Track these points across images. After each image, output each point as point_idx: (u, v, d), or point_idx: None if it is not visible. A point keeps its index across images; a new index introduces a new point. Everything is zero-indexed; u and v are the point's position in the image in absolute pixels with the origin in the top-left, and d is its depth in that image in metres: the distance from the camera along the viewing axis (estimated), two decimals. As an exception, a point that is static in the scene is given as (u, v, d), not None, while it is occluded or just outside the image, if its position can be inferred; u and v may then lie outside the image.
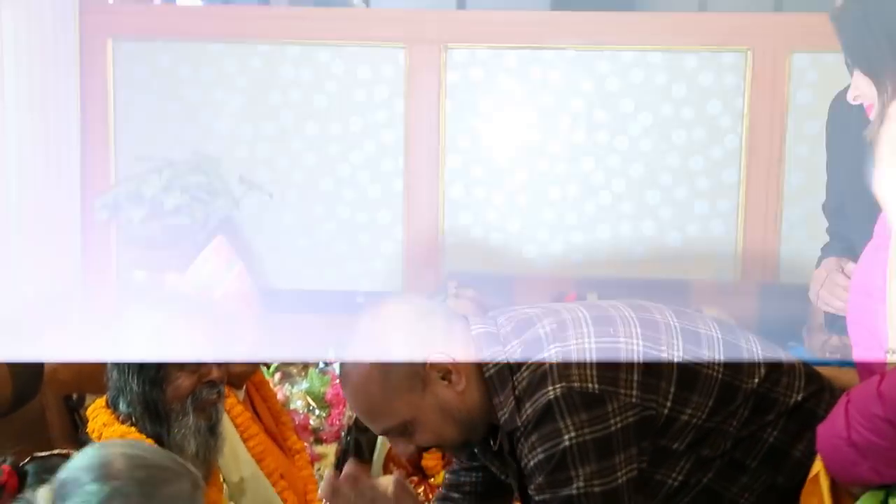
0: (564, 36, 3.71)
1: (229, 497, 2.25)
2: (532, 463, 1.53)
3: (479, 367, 1.57)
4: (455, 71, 3.72)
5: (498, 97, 3.74)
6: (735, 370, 1.55)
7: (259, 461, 2.25)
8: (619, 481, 1.49)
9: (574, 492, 1.49)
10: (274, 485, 2.25)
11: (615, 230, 3.75)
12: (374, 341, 1.57)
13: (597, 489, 1.49)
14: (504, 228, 3.76)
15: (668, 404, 1.51)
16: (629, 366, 1.52)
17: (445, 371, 1.56)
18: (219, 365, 1.99)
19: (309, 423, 2.61)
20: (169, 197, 3.36)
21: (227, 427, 2.15)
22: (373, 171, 3.78)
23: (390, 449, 2.97)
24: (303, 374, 2.73)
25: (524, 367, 1.55)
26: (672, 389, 1.51)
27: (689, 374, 1.52)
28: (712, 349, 1.56)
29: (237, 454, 2.22)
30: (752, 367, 1.56)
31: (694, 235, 3.72)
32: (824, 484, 1.42)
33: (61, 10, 3.44)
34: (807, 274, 3.64)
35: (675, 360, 1.52)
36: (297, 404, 2.59)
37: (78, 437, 2.64)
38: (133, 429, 1.90)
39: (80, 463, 1.42)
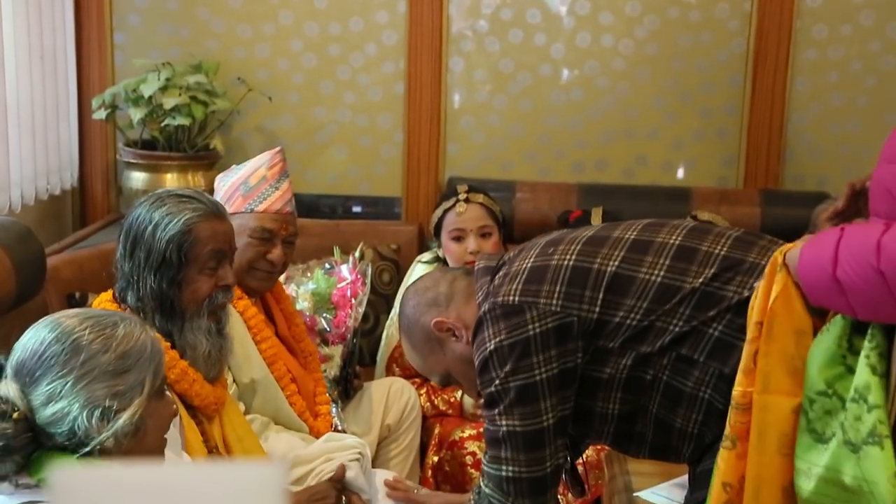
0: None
1: (238, 397, 2.27)
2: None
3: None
4: (459, -29, 3.64)
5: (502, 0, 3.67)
6: (680, 271, 1.69)
7: (270, 364, 2.26)
8: (536, 378, 1.69)
9: (492, 389, 1.72)
10: (284, 388, 2.26)
11: (618, 135, 3.71)
12: (402, 320, 1.91)
13: (511, 384, 1.70)
14: (506, 133, 3.73)
15: (596, 309, 1.69)
16: (555, 279, 1.72)
17: (449, 329, 1.83)
18: (232, 270, 2.01)
19: (316, 325, 2.61)
20: (168, 97, 3.30)
21: (240, 329, 2.16)
22: (374, 74, 3.73)
23: (393, 351, 2.99)
24: (308, 274, 2.71)
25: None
26: (600, 295, 1.69)
27: (621, 280, 1.70)
28: (659, 255, 1.72)
29: (249, 356, 2.23)
30: (700, 266, 1.68)
31: (697, 141, 3.69)
32: (797, 298, 1.47)
33: None
34: (809, 181, 3.66)
35: (608, 269, 1.71)
36: (304, 305, 2.58)
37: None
38: None
39: (29, 339, 1.46)
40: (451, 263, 3.01)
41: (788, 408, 1.46)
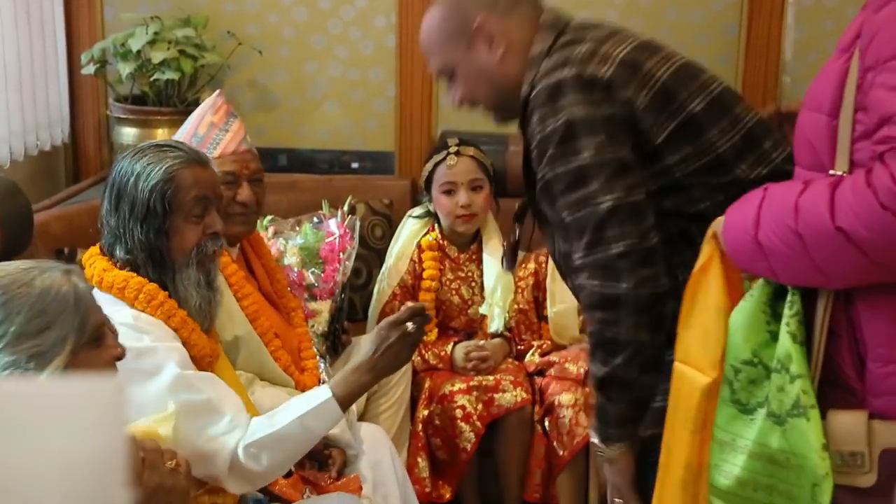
0: None
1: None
2: (541, 135, 1.67)
3: (528, 48, 1.75)
4: (450, -79, 3.58)
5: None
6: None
7: (253, 320, 2.25)
8: (613, 156, 1.62)
9: (584, 161, 1.62)
10: (267, 344, 2.26)
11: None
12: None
13: (607, 155, 1.62)
14: (499, 86, 3.69)
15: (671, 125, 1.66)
16: (647, 77, 1.67)
17: (489, 36, 1.75)
18: (220, 217, 1.99)
19: (303, 280, 2.60)
20: (156, 51, 3.28)
21: (221, 286, 2.15)
22: (365, 28, 3.69)
23: (384, 306, 2.99)
24: (297, 228, 2.71)
25: (555, 52, 1.71)
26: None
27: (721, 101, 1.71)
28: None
29: (231, 313, 2.23)
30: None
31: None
32: (717, 273, 1.43)
33: None
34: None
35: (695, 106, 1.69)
36: (292, 260, 2.58)
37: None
38: (135, 273, 1.90)
39: None
40: (441, 217, 3.00)
41: (700, 386, 1.42)
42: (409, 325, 1.90)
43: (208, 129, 2.36)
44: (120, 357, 1.54)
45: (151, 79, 3.34)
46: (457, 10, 1.79)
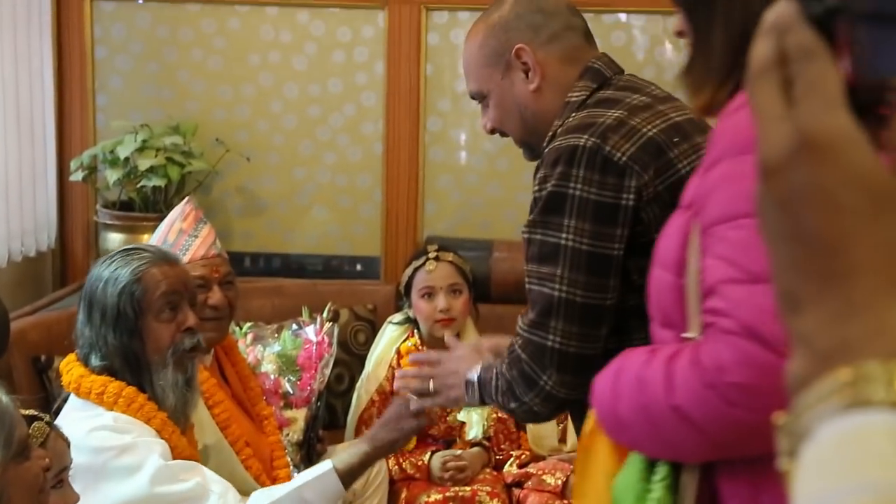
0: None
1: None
2: (537, 194, 1.61)
3: (566, 86, 1.68)
4: (435, 32, 3.68)
5: (479, 60, 3.70)
6: None
7: (224, 428, 2.24)
8: (590, 250, 1.56)
9: (562, 241, 1.56)
10: (238, 452, 2.24)
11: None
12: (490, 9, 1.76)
13: (584, 247, 1.56)
14: (484, 192, 3.74)
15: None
16: (667, 166, 1.57)
17: (526, 65, 1.70)
18: (194, 312, 1.99)
19: (279, 388, 2.59)
20: (144, 158, 3.33)
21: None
22: (353, 134, 3.75)
23: (363, 413, 2.97)
24: (276, 335, 2.71)
25: (588, 107, 1.64)
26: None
27: None
28: None
29: (202, 421, 2.22)
30: None
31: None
32: (605, 437, 1.34)
33: (36, -31, 3.39)
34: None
35: None
36: (268, 367, 2.57)
37: (47, 396, 2.64)
38: (113, 378, 1.90)
39: None
40: (420, 322, 3.00)
41: None
42: (414, 400, 1.90)
43: (178, 236, 2.38)
44: (48, 468, 1.52)
45: (138, 185, 3.38)
46: (496, 34, 1.73)
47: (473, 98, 1.82)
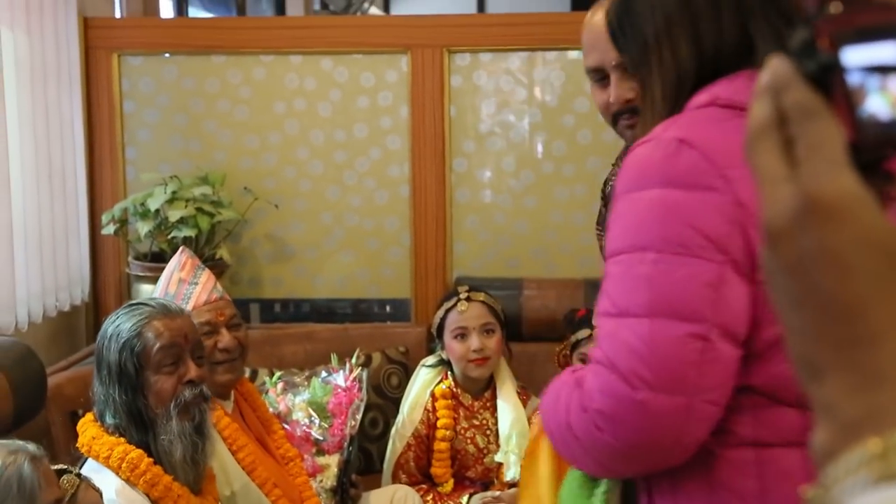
0: (573, 36, 3.67)
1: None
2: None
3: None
4: (458, 74, 3.71)
5: (502, 99, 3.72)
6: None
7: (250, 472, 2.24)
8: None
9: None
10: (267, 494, 2.24)
11: (624, 230, 3.71)
12: None
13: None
14: (511, 231, 3.74)
15: None
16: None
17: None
18: (198, 364, 1.99)
19: (311, 435, 2.59)
20: (174, 209, 3.36)
21: (215, 440, 2.15)
22: (379, 178, 3.77)
23: (399, 458, 2.96)
24: (306, 383, 2.71)
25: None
26: None
27: None
28: None
29: (226, 468, 2.22)
30: None
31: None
32: (547, 442, 1.36)
33: (65, 25, 3.46)
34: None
35: None
36: (299, 416, 2.57)
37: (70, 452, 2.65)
38: (122, 440, 1.91)
39: None
40: (454, 363, 3.00)
41: None
42: None
43: (178, 286, 2.41)
44: None
45: (169, 236, 3.42)
46: None
47: (594, 72, 1.84)
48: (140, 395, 1.92)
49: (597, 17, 1.82)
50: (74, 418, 2.72)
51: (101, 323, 3.71)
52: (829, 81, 0.48)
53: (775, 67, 0.50)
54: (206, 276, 2.44)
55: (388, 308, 3.85)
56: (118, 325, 1.97)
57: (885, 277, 0.47)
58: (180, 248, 2.52)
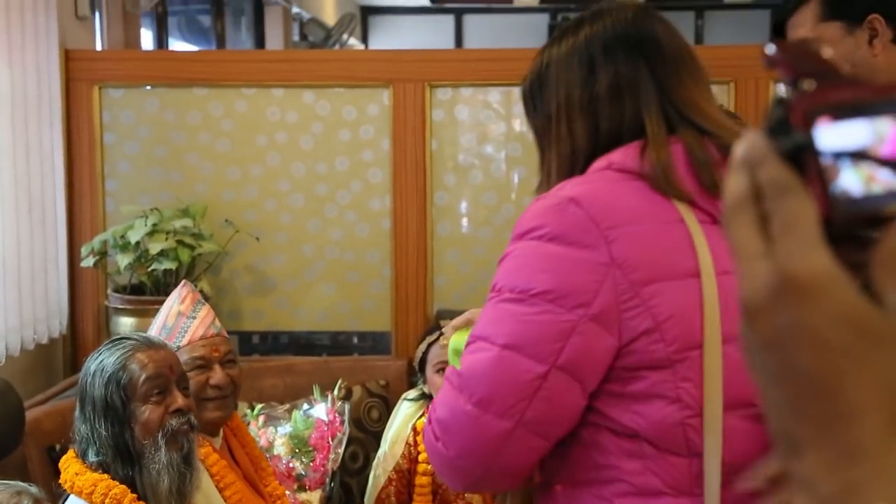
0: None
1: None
2: None
3: None
4: (440, 108, 3.73)
5: (481, 132, 3.75)
6: None
7: (236, 510, 2.22)
8: None
9: None
10: (253, 533, 2.22)
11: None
12: None
13: None
14: (492, 263, 3.74)
15: None
16: None
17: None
18: (184, 395, 1.99)
19: (293, 471, 2.57)
20: (154, 242, 3.35)
21: (203, 477, 2.14)
22: (360, 211, 3.78)
23: (380, 492, 2.94)
24: (287, 416, 2.70)
25: None
26: None
27: None
28: None
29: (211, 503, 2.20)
30: None
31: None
32: None
33: (46, 57, 3.45)
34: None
35: None
36: (281, 450, 2.56)
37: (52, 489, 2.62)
38: (106, 476, 1.89)
39: None
40: (435, 397, 2.98)
41: None
42: None
43: (176, 319, 2.40)
44: None
45: (149, 269, 3.40)
46: None
47: None
48: (127, 428, 1.91)
49: None
50: (52, 453, 2.70)
51: (79, 356, 3.71)
52: (802, 159, 0.49)
53: (751, 143, 0.51)
54: (205, 311, 2.43)
55: (368, 341, 3.85)
56: (101, 360, 1.96)
57: (861, 353, 0.47)
58: (182, 282, 2.51)
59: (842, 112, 0.49)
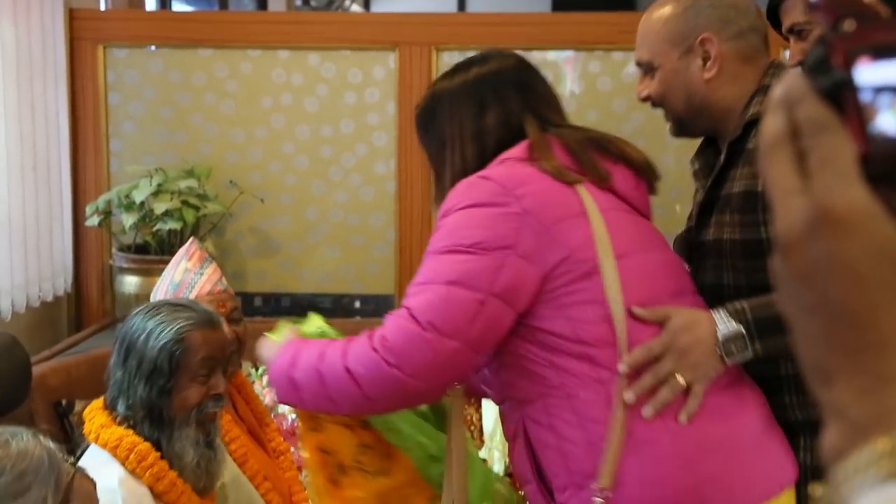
0: (555, 37, 3.70)
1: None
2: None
3: (750, 81, 1.74)
4: (445, 72, 3.72)
5: (489, 98, 3.74)
6: None
7: (241, 464, 2.24)
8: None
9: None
10: (257, 487, 2.24)
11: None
12: None
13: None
14: (496, 229, 3.75)
15: None
16: None
17: (707, 55, 1.73)
18: (226, 379, 2.01)
19: (296, 429, 2.59)
20: (159, 202, 3.35)
21: (224, 455, 2.15)
22: (365, 174, 3.78)
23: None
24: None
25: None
26: None
27: None
28: None
29: (218, 459, 2.22)
30: None
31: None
32: None
33: (51, 17, 3.44)
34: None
35: None
36: (285, 409, 2.57)
37: (69, 441, 2.64)
38: (131, 431, 1.90)
39: None
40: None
41: None
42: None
43: (184, 275, 2.40)
44: None
45: (154, 229, 3.41)
46: (685, 17, 1.76)
47: (639, 65, 1.83)
48: (166, 396, 1.91)
49: (650, 14, 1.86)
50: (58, 408, 2.72)
51: (83, 314, 3.73)
52: (841, 97, 0.50)
53: (790, 82, 0.51)
54: (212, 268, 2.44)
55: (371, 304, 3.86)
56: (160, 322, 1.93)
57: (893, 286, 0.48)
58: (190, 239, 2.52)
59: (882, 52, 0.49)
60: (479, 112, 1.67)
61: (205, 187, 3.55)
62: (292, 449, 2.52)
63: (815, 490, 0.50)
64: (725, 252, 1.74)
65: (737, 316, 1.56)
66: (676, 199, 3.71)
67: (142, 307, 2.02)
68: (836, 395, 0.50)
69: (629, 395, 1.51)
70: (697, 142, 1.93)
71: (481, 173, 1.58)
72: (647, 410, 1.52)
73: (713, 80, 1.74)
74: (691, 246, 1.84)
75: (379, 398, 1.56)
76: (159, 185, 3.41)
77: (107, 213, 3.54)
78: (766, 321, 1.55)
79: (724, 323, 1.56)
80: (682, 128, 1.84)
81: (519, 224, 1.53)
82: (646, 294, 1.57)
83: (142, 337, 1.93)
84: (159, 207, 3.35)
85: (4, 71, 3.08)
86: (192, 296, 2.32)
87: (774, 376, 1.69)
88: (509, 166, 1.61)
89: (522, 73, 1.72)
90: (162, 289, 2.41)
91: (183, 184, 3.45)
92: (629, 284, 1.55)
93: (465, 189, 1.58)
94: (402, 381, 1.51)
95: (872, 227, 0.48)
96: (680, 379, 1.55)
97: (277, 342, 1.76)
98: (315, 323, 1.85)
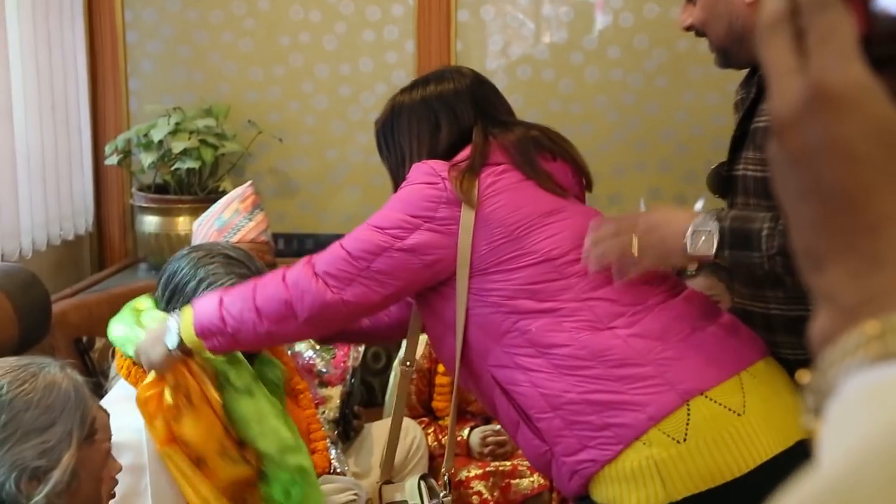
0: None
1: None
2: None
3: None
4: (465, 9, 3.66)
5: (509, 35, 3.68)
6: None
7: (260, 401, 2.25)
8: None
9: None
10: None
11: (630, 169, 3.70)
12: None
13: None
14: (516, 169, 3.72)
15: None
16: None
17: None
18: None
19: (314, 366, 2.60)
20: (177, 141, 3.35)
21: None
22: (384, 114, 3.74)
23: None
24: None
25: None
26: None
27: None
28: None
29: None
30: None
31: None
32: None
33: (67, -45, 3.41)
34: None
35: None
36: (302, 346, 2.58)
37: (89, 376, 2.67)
38: None
39: None
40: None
41: None
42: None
43: (233, 215, 2.41)
44: (109, 451, 1.54)
45: (173, 168, 3.40)
46: None
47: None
48: None
49: None
50: (79, 345, 2.75)
51: (105, 253, 3.75)
52: None
53: None
54: (261, 217, 2.44)
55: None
56: (214, 272, 1.92)
57: (890, 167, 0.47)
58: (248, 182, 2.52)
59: None
60: (434, 129, 1.86)
61: (223, 127, 3.54)
62: (310, 388, 2.54)
63: (802, 376, 0.49)
64: (749, 189, 1.71)
65: (717, 216, 1.58)
66: (697, 137, 3.66)
67: (194, 250, 2.00)
68: (828, 280, 0.49)
69: (592, 264, 1.66)
70: (717, 78, 1.91)
71: (425, 163, 1.82)
72: (592, 264, 1.65)
73: (755, 5, 1.68)
74: (723, 180, 1.81)
75: (322, 320, 1.78)
76: (177, 124, 3.40)
77: (126, 153, 3.53)
78: (741, 233, 1.55)
79: (701, 219, 1.58)
80: (725, 57, 1.77)
81: (440, 200, 1.76)
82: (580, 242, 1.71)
83: (191, 283, 1.92)
84: (177, 146, 3.34)
85: (21, 9, 3.06)
86: (234, 239, 2.32)
87: (764, 314, 1.69)
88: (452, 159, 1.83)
89: (476, 90, 1.89)
90: (207, 222, 2.41)
91: (201, 123, 3.43)
92: (562, 236, 1.73)
93: (410, 175, 1.83)
94: (331, 300, 1.74)
95: (870, 107, 0.47)
96: (634, 248, 1.60)
97: (155, 326, 1.87)
98: (145, 303, 1.99)
